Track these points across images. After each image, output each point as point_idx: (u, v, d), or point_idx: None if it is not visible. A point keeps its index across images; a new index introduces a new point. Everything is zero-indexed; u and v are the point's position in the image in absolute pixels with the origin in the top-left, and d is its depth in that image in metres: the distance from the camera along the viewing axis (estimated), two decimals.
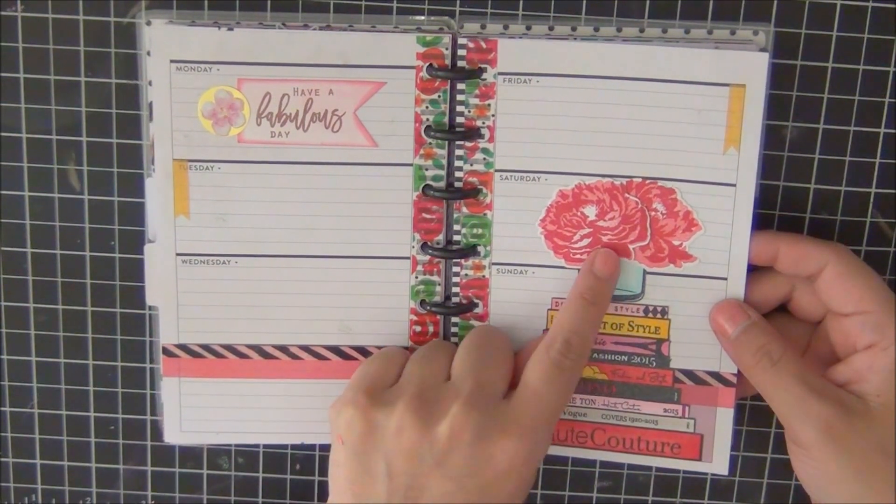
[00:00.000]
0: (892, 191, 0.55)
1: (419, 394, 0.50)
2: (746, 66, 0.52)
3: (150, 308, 0.58)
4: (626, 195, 0.53)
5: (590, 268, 0.54)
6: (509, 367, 0.53)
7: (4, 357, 0.59)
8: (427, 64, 0.53)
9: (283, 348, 0.56)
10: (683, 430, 0.56)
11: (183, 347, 0.56)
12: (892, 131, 0.54)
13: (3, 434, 0.60)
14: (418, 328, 0.56)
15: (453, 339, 0.56)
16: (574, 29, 0.54)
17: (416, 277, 0.56)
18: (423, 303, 0.56)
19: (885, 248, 0.56)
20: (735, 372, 0.55)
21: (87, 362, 0.59)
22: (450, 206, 0.55)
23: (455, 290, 0.56)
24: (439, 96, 0.53)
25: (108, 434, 0.60)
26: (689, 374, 0.55)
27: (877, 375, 0.51)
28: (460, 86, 0.53)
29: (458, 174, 0.54)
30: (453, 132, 0.54)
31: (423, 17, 0.54)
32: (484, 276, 0.55)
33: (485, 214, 0.55)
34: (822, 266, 0.52)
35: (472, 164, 0.54)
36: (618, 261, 0.54)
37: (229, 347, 0.56)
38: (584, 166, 0.53)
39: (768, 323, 0.53)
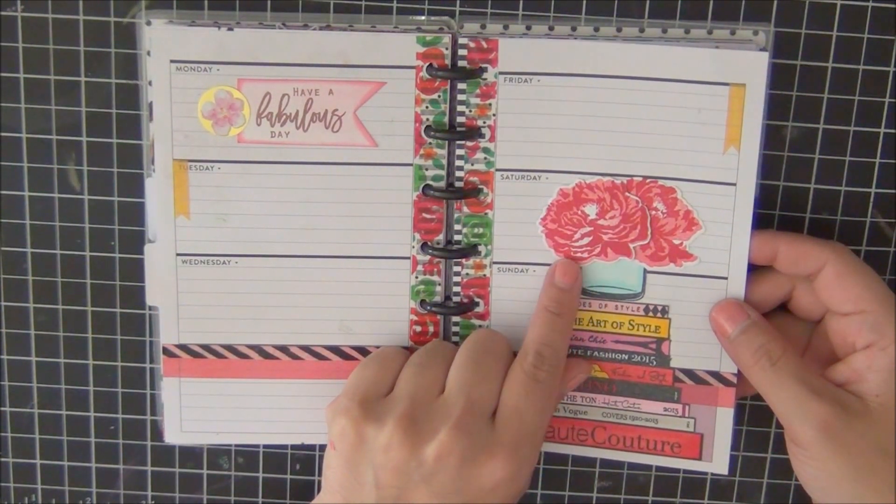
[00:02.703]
0: (892, 191, 0.55)
1: (410, 411, 0.51)
2: (746, 65, 0.52)
3: (150, 308, 0.58)
4: (627, 194, 0.53)
5: (551, 280, 0.54)
6: (504, 377, 0.53)
7: (4, 357, 0.59)
8: (427, 64, 0.53)
9: (283, 348, 0.56)
10: (683, 429, 0.56)
11: (183, 347, 0.56)
12: (892, 131, 0.55)
13: (3, 434, 0.60)
14: (418, 328, 0.56)
15: (454, 339, 0.56)
16: (574, 29, 0.54)
17: (417, 277, 0.56)
18: (423, 303, 0.56)
19: (885, 248, 0.56)
20: (735, 372, 0.55)
21: (87, 362, 0.59)
22: (450, 205, 0.55)
23: (456, 289, 0.56)
24: (439, 96, 0.53)
25: (108, 434, 0.60)
26: (690, 374, 0.55)
27: (876, 375, 0.51)
28: (461, 85, 0.53)
29: (458, 174, 0.54)
30: (453, 132, 0.54)
31: (423, 17, 0.54)
32: (485, 276, 0.55)
33: (486, 214, 0.55)
34: (821, 265, 0.52)
35: (472, 164, 0.54)
36: (578, 270, 0.54)
37: (230, 347, 0.56)
38: (585, 165, 0.53)
39: (768, 322, 0.53)
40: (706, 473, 0.59)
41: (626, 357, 0.55)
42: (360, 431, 0.51)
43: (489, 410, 0.52)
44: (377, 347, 0.56)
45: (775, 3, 0.53)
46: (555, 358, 0.53)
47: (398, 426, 0.50)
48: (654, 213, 0.54)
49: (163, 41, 0.53)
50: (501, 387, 0.52)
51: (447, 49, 0.53)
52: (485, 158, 0.54)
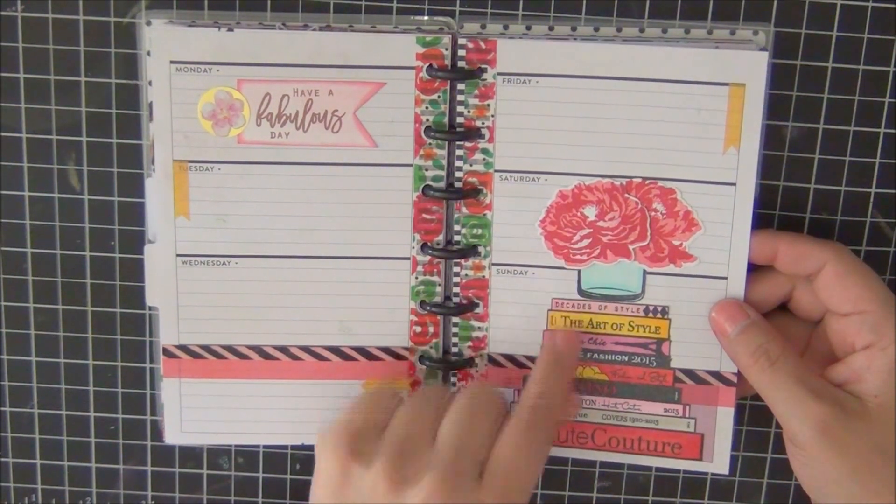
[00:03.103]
0: (892, 191, 0.55)
1: (398, 456, 0.50)
2: (746, 65, 0.52)
3: (150, 308, 0.58)
4: (626, 195, 0.53)
5: (552, 341, 0.55)
6: (497, 431, 0.52)
7: (4, 357, 0.59)
8: (427, 64, 0.53)
9: (283, 349, 0.56)
10: (684, 429, 0.56)
11: (183, 348, 0.56)
12: (892, 131, 0.54)
13: (3, 434, 0.60)
14: (418, 328, 0.56)
15: (454, 338, 0.56)
16: (574, 29, 0.54)
17: (417, 278, 0.55)
18: (423, 303, 0.56)
19: (885, 248, 0.56)
20: (735, 371, 0.55)
21: (87, 362, 0.59)
22: (450, 206, 0.55)
23: (455, 290, 0.56)
24: (439, 97, 0.53)
25: (108, 434, 0.60)
26: (690, 374, 0.55)
27: (875, 375, 0.51)
28: (460, 86, 0.53)
29: (457, 174, 0.54)
30: (453, 132, 0.54)
31: (423, 18, 0.54)
32: (484, 277, 0.55)
33: (484, 215, 0.55)
34: (821, 265, 0.52)
35: (471, 165, 0.54)
36: (579, 341, 0.55)
37: (229, 348, 0.56)
38: (584, 166, 0.53)
39: (767, 322, 0.53)
40: (706, 473, 0.59)
41: (626, 358, 0.55)
42: (346, 470, 0.50)
43: (479, 463, 0.50)
44: (377, 348, 0.56)
45: (775, 3, 0.53)
46: (551, 412, 0.52)
47: (384, 469, 0.49)
48: (653, 214, 0.53)
49: (163, 41, 0.53)
50: (493, 441, 0.51)
51: (447, 49, 0.53)
52: (483, 159, 0.54)
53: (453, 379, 0.57)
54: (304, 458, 0.60)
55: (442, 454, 0.50)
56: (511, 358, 0.56)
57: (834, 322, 0.53)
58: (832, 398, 0.50)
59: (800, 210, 0.55)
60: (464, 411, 0.52)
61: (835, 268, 0.51)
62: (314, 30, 0.53)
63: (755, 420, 0.58)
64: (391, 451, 0.50)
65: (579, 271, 0.55)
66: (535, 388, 0.53)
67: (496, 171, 0.54)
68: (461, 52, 0.53)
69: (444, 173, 0.54)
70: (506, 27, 0.54)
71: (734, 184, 0.53)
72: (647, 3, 0.54)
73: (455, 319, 0.56)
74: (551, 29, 0.54)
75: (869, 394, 0.51)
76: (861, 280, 0.51)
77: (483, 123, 0.53)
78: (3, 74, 0.55)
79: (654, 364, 0.55)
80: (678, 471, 0.59)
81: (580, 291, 0.55)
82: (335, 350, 0.56)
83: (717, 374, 0.55)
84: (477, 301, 0.56)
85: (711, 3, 0.54)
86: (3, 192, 0.57)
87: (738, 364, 0.53)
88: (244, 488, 0.60)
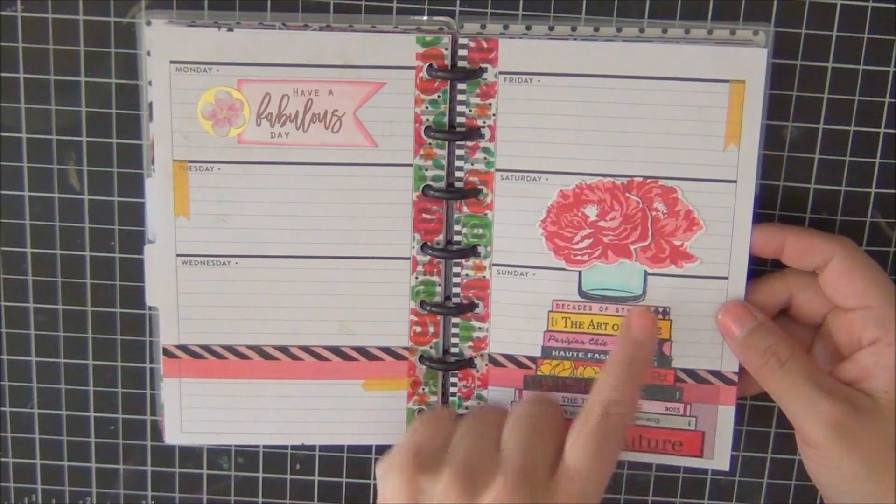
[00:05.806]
0: (892, 191, 0.55)
1: (466, 464, 0.49)
2: (746, 62, 0.52)
3: (150, 308, 0.58)
4: (628, 195, 0.53)
5: (627, 331, 0.53)
6: (559, 438, 0.51)
7: (4, 357, 0.59)
8: (427, 64, 0.53)
9: (283, 349, 0.56)
10: (685, 427, 0.56)
11: (183, 348, 0.56)
12: (892, 131, 0.54)
13: (3, 434, 0.60)
14: (418, 329, 0.56)
15: (454, 338, 0.56)
16: (574, 29, 0.54)
17: (417, 278, 0.55)
18: (423, 303, 0.56)
19: (885, 248, 0.56)
20: (736, 370, 0.55)
21: (87, 362, 0.59)
22: (450, 206, 0.55)
23: (455, 290, 0.56)
24: (439, 96, 0.53)
25: (108, 434, 0.60)
26: (691, 373, 0.55)
27: (883, 371, 0.51)
28: (461, 85, 0.53)
29: (458, 174, 0.54)
30: (453, 132, 0.54)
31: (422, 18, 0.54)
32: (484, 277, 0.55)
33: (485, 214, 0.55)
34: (827, 259, 0.52)
35: (472, 164, 0.54)
36: (654, 319, 0.53)
37: (230, 348, 0.56)
38: (585, 166, 0.53)
39: (774, 324, 0.53)
40: (706, 473, 0.59)
41: None
42: (414, 485, 0.49)
43: (547, 468, 0.50)
44: (377, 348, 0.56)
45: (775, 3, 0.53)
46: (622, 417, 0.51)
47: (455, 478, 0.49)
48: (654, 213, 0.54)
49: (163, 41, 0.53)
50: (558, 446, 0.51)
51: (447, 49, 0.53)
52: (485, 158, 0.54)
53: (453, 379, 0.57)
54: (303, 458, 0.60)
55: (510, 459, 0.49)
56: (512, 358, 0.56)
57: (839, 318, 0.53)
58: (844, 396, 0.50)
59: (800, 210, 0.55)
60: (524, 419, 0.52)
61: (841, 262, 0.51)
62: (314, 30, 0.54)
63: (755, 420, 0.58)
64: (458, 460, 0.50)
65: (580, 272, 0.55)
66: (608, 389, 0.51)
67: (497, 170, 0.54)
68: (462, 52, 0.53)
69: (443, 173, 0.54)
70: (506, 27, 0.54)
71: (735, 181, 0.53)
72: (647, 3, 0.54)
73: (455, 319, 0.56)
74: (551, 29, 0.54)
75: (879, 390, 0.51)
76: (867, 275, 0.51)
77: (484, 122, 0.53)
78: (3, 74, 0.55)
79: (656, 364, 0.55)
80: (678, 470, 0.59)
81: (581, 293, 0.55)
82: (335, 350, 0.56)
83: (718, 374, 0.55)
84: (477, 301, 0.56)
85: (711, 3, 0.54)
86: (3, 192, 0.57)
87: (748, 366, 0.53)
88: (244, 488, 0.60)
